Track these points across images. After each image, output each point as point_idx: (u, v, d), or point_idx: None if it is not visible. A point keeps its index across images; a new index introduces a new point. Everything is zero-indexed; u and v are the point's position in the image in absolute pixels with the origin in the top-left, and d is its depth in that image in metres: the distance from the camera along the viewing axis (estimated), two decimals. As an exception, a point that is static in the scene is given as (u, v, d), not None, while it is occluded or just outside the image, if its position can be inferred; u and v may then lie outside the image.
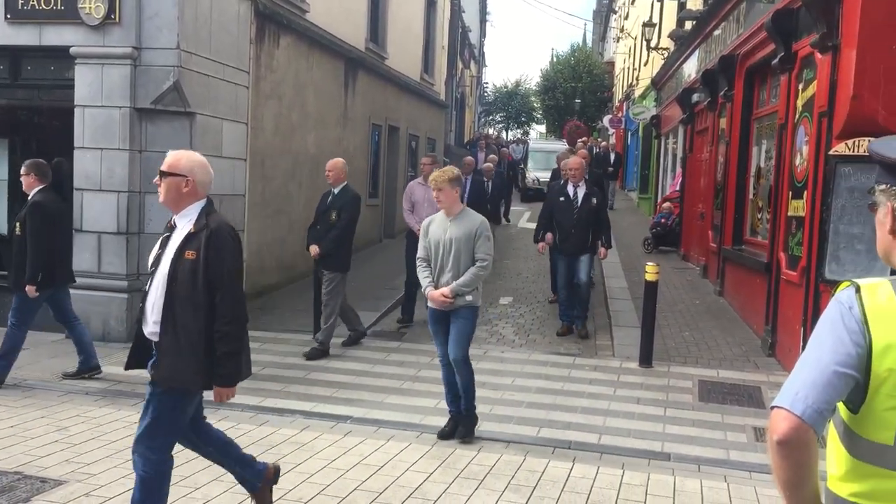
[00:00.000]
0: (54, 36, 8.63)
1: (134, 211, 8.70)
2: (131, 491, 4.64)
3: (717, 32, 12.73)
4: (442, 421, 6.31)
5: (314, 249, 8.31)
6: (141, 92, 8.59)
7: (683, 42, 16.13)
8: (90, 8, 8.42)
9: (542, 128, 60.04)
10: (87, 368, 7.24)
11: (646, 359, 8.08)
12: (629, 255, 14.61)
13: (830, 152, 6.94)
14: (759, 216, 10.29)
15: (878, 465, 1.71)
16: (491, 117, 60.29)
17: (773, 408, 1.72)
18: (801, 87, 8.02)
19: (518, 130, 58.50)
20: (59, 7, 8.52)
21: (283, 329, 9.29)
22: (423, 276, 5.94)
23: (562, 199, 9.36)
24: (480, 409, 6.62)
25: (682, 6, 17.90)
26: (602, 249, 9.57)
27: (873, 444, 1.70)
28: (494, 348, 8.85)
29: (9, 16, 8.68)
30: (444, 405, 6.70)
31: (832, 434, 1.83)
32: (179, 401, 3.81)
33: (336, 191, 8.41)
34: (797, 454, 1.69)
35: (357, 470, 5.19)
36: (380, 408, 6.63)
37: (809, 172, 7.49)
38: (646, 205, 23.08)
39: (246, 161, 10.20)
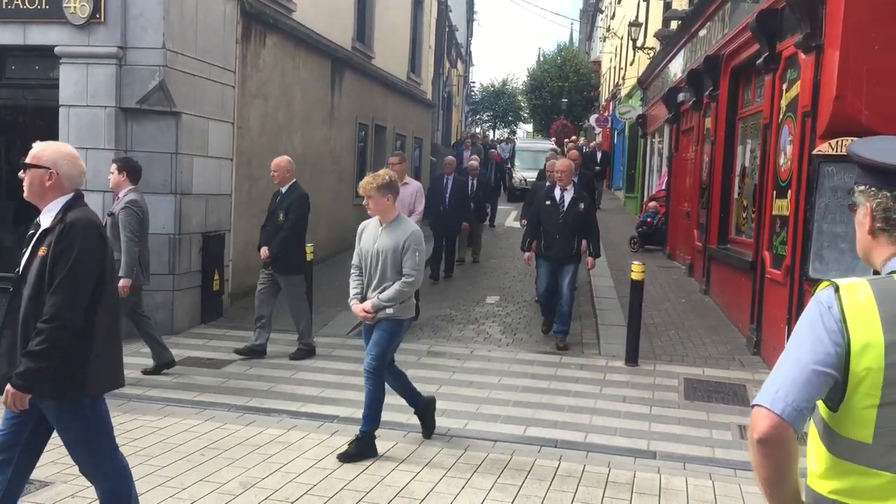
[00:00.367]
0: (39, 35, 8.58)
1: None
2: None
3: (702, 32, 12.80)
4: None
5: (263, 251, 8.02)
6: (126, 91, 8.56)
7: (669, 42, 16.21)
8: (75, 7, 8.38)
9: (529, 127, 60.15)
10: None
11: (632, 357, 8.13)
12: (615, 254, 14.67)
13: (814, 152, 7.00)
14: (744, 215, 10.35)
15: (857, 463, 1.73)
16: (478, 116, 60.33)
17: (753, 406, 1.74)
18: (785, 87, 8.08)
19: (505, 130, 58.55)
20: (43, 6, 8.48)
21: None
22: (352, 285, 5.64)
23: (548, 202, 8.91)
24: (467, 408, 6.67)
25: (667, 6, 17.98)
26: (589, 259, 9.07)
27: (852, 441, 1.73)
28: (481, 347, 8.87)
29: (-7, 15, 8.64)
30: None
31: (812, 432, 1.85)
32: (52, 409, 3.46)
33: (284, 190, 8.11)
34: (777, 452, 1.71)
35: (344, 469, 5.19)
36: (367, 407, 6.63)
37: (793, 172, 7.55)
38: (632, 204, 23.17)
39: (232, 161, 10.18)
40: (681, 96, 14.55)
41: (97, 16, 8.39)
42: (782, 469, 1.74)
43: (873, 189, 1.82)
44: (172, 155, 8.77)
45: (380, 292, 5.41)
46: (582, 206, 8.78)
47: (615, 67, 32.30)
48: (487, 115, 60.79)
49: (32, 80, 9.02)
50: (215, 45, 9.55)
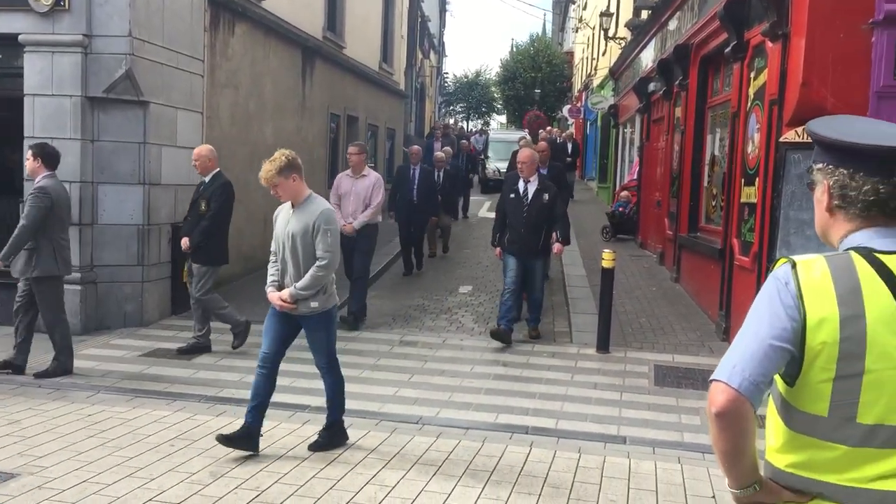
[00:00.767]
0: (2, 23, 8.44)
1: (87, 201, 8.56)
2: (85, 483, 4.62)
3: (672, 22, 12.87)
4: (401, 409, 6.35)
5: (184, 242, 7.75)
6: (93, 80, 8.45)
7: (640, 32, 16.28)
8: (39, -6, 8.24)
9: (503, 118, 60.21)
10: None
11: (603, 345, 8.18)
12: (588, 244, 14.74)
13: (781, 139, 7.07)
14: (714, 203, 10.44)
15: (813, 436, 1.75)
16: (451, 108, 60.28)
17: (711, 381, 1.76)
18: (752, 75, 8.15)
19: (479, 121, 58.59)
20: (6, -7, 8.34)
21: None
22: (269, 272, 5.34)
23: (511, 195, 8.59)
24: (439, 396, 6.68)
25: (638, -4, 18.04)
26: (557, 245, 8.69)
27: (809, 415, 1.75)
28: (453, 336, 8.88)
29: (-46, 2, 8.48)
30: (403, 392, 6.77)
31: (770, 407, 1.88)
32: None
33: (207, 179, 7.81)
34: (735, 426, 1.73)
35: (315, 458, 5.18)
36: (339, 396, 6.62)
37: (761, 160, 7.63)
38: (605, 194, 23.28)
39: (202, 151, 10.07)
40: (651, 86, 14.63)
41: (62, 3, 8.26)
42: (740, 442, 1.76)
43: (831, 167, 1.84)
44: (140, 145, 8.68)
45: (294, 279, 5.16)
46: (547, 196, 8.45)
47: (588, 58, 32.39)
48: (461, 107, 60.78)
49: (-4, 68, 8.89)
50: (183, 33, 9.44)
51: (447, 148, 17.64)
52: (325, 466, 5.04)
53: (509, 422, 6.11)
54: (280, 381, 6.94)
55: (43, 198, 6.67)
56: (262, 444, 5.40)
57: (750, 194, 7.96)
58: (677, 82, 12.01)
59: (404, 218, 12.05)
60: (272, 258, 5.36)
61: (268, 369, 5.28)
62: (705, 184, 10.94)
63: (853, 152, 1.77)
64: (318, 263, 5.10)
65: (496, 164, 25.82)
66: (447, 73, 57.87)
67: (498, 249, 8.85)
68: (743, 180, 8.24)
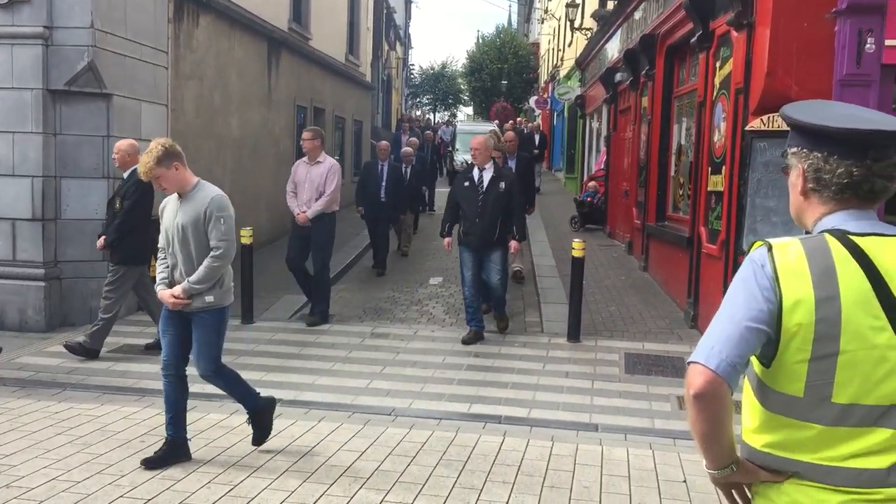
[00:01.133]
0: (-41, 14, 8.24)
1: (50, 196, 8.42)
2: (54, 482, 4.55)
3: (638, 12, 12.94)
4: (374, 401, 6.33)
5: (99, 242, 7.47)
6: (54, 73, 8.29)
7: (606, 22, 16.35)
8: (-3, -15, 8.06)
9: (470, 109, 60.24)
10: None
11: (573, 334, 8.22)
12: (556, 234, 14.81)
13: (747, 128, 7.15)
14: (681, 192, 10.54)
15: (789, 417, 1.78)
16: (418, 99, 60.17)
17: (689, 363, 1.77)
18: (718, 64, 8.22)
19: (445, 112, 58.56)
20: (-37, -16, 8.15)
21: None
22: (158, 269, 4.97)
23: (466, 184, 8.15)
24: (411, 387, 6.67)
25: (604, -13, 18.13)
26: (512, 243, 8.21)
27: (784, 395, 1.77)
28: (425, 328, 8.88)
29: None
30: (376, 384, 6.75)
31: (746, 389, 1.90)
32: None
33: (125, 175, 7.38)
34: (713, 407, 1.75)
35: (289, 452, 5.15)
36: (311, 389, 6.59)
37: (727, 148, 7.70)
38: (572, 184, 23.39)
39: (167, 144, 9.93)
40: (618, 76, 14.72)
41: (21, -6, 8.10)
42: (717, 423, 1.78)
43: (805, 150, 1.85)
44: (104, 138, 8.53)
45: (186, 273, 4.79)
46: (503, 185, 7.99)
47: (553, 49, 32.50)
48: (427, 98, 60.67)
49: (-47, 61, 8.67)
50: (146, 24, 9.30)
51: (413, 139, 17.51)
52: (298, 460, 5.01)
53: (482, 412, 6.12)
54: (249, 375, 6.91)
55: None
56: (234, 438, 5.37)
57: (717, 183, 8.04)
58: (644, 72, 12.09)
59: (372, 216, 11.76)
60: (160, 254, 4.97)
61: (172, 375, 4.91)
62: (672, 173, 11.03)
63: (827, 136, 1.79)
64: (212, 254, 4.74)
65: (464, 157, 25.81)
66: (413, 64, 57.76)
67: (447, 240, 8.49)
68: (710, 169, 8.32)
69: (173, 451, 4.92)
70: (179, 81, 10.29)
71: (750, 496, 1.91)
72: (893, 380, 1.71)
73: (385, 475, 4.80)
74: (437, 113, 59.39)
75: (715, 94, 8.29)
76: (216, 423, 5.68)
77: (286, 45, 14.68)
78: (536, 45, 44.41)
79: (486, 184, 8.04)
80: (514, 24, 58.26)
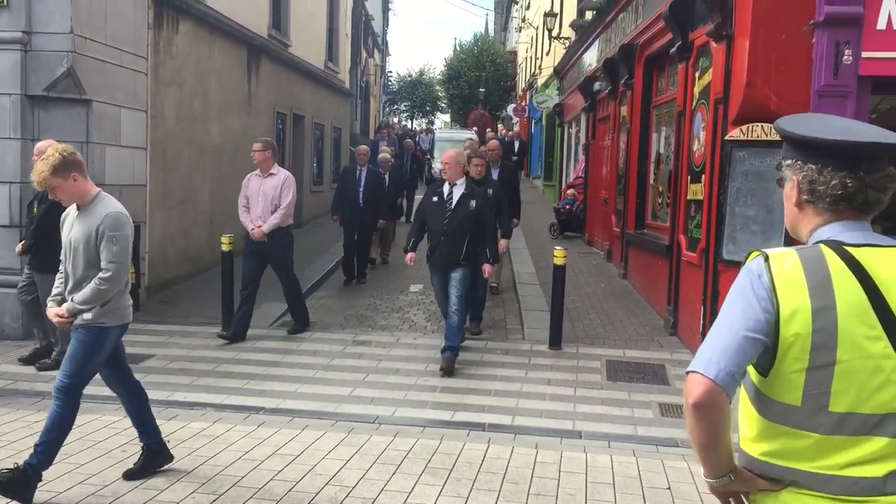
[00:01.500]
0: (-64, 19, 8.15)
1: (28, 203, 8.31)
2: (37, 493, 4.49)
3: (617, 22, 13.04)
4: (357, 408, 6.32)
5: (18, 247, 7.29)
6: (33, 78, 8.21)
7: (585, 32, 16.46)
8: (-26, -11, 7.98)
9: (447, 117, 60.33)
10: None
11: (555, 341, 8.25)
12: (536, 242, 14.87)
13: (726, 138, 7.22)
14: (660, 201, 10.62)
15: (786, 425, 1.80)
16: (396, 106, 60.19)
17: (688, 373, 1.79)
18: (697, 74, 8.31)
19: (423, 119, 58.60)
20: (-60, -12, 8.05)
21: (190, 322, 9.07)
22: (55, 284, 4.68)
23: (434, 199, 7.68)
24: (395, 395, 6.66)
25: (582, -4, 18.24)
26: (486, 266, 7.72)
27: (782, 404, 1.80)
28: (407, 335, 8.87)
29: None
30: (359, 392, 6.74)
31: (744, 397, 1.92)
32: None
33: None
34: (711, 416, 1.77)
35: (272, 460, 5.12)
36: (293, 397, 6.56)
37: (707, 157, 7.78)
38: (550, 192, 23.50)
39: (146, 150, 9.88)
40: (597, 85, 14.80)
41: (-1, -1, 8.02)
42: (716, 432, 1.80)
43: (799, 162, 1.89)
44: (83, 144, 8.45)
45: (78, 291, 4.46)
46: (474, 203, 7.49)
47: (531, 57, 32.65)
48: (405, 105, 60.72)
49: (-71, 66, 8.56)
50: (126, 30, 9.24)
51: (386, 146, 17.34)
52: (283, 468, 4.99)
53: (466, 419, 6.12)
54: (232, 383, 6.91)
55: None
56: (218, 447, 5.33)
57: (696, 191, 8.11)
58: (623, 81, 12.18)
59: (349, 221, 11.48)
60: (61, 267, 4.64)
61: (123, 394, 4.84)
62: (651, 181, 11.12)
63: (821, 148, 1.82)
64: (100, 275, 4.37)
65: (443, 164, 25.83)
66: (391, 71, 57.79)
67: (410, 255, 7.94)
68: (689, 177, 8.40)
69: (152, 459, 4.87)
70: (159, 88, 10.23)
71: (748, 505, 1.93)
72: (889, 389, 1.74)
73: (371, 484, 4.79)
74: (414, 120, 59.41)
75: (694, 103, 8.38)
76: (198, 431, 5.64)
77: (266, 51, 14.64)
78: (514, 53, 44.61)
79: (454, 201, 7.55)
80: (491, 33, 58.50)
